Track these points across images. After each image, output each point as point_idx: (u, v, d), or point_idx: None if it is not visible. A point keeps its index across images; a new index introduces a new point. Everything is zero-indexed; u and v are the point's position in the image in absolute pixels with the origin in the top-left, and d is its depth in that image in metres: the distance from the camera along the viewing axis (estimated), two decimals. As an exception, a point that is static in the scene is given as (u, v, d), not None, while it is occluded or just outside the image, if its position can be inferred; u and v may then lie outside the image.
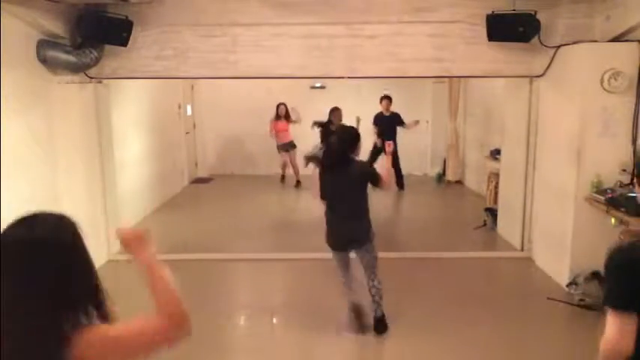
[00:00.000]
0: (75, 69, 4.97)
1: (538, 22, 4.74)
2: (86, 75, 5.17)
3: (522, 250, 5.65)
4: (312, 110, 9.04)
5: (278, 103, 8.99)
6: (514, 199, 5.79)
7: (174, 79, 6.96)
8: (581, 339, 3.37)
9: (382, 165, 5.80)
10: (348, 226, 3.80)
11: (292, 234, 6.66)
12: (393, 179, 4.06)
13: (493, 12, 4.73)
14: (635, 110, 4.49)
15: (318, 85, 9.97)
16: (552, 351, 3.71)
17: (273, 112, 9.04)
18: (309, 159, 7.04)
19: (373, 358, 3.95)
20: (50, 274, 1.30)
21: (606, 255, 1.57)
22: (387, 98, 8.71)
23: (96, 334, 1.33)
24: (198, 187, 9.64)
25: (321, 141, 7.19)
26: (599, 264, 2.00)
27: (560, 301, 4.32)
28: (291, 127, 9.03)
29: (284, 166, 9.34)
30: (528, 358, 3.70)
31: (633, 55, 4.46)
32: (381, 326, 3.89)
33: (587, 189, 4.47)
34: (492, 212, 6.53)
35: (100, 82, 5.36)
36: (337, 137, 3.97)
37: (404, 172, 10.27)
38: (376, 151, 8.42)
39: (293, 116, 8.89)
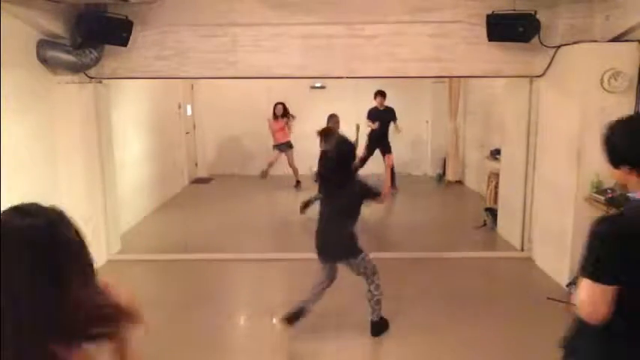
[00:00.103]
0: (75, 69, 4.97)
1: (538, 22, 4.74)
2: (86, 75, 5.17)
3: (522, 250, 5.65)
4: (312, 110, 9.06)
5: (275, 102, 8.97)
6: (514, 199, 5.79)
7: (174, 79, 6.96)
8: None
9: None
10: (333, 241, 3.79)
11: (292, 234, 6.67)
12: (389, 191, 4.02)
13: (493, 12, 4.74)
14: (635, 110, 4.49)
15: (318, 85, 9.97)
16: (552, 351, 3.70)
17: (272, 112, 9.04)
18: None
19: (373, 359, 3.95)
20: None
21: (590, 225, 1.58)
22: (380, 94, 8.67)
23: None
24: (198, 187, 9.64)
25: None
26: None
27: (560, 301, 4.32)
28: (291, 127, 8.99)
29: (271, 164, 9.08)
30: (528, 358, 3.70)
31: (633, 55, 4.47)
32: (374, 330, 3.89)
33: (587, 189, 4.48)
34: (492, 212, 6.54)
35: (100, 82, 5.36)
36: (335, 159, 3.83)
37: (403, 172, 10.29)
38: (367, 154, 8.44)
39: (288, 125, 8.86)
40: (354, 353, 3.86)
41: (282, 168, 9.08)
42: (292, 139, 8.97)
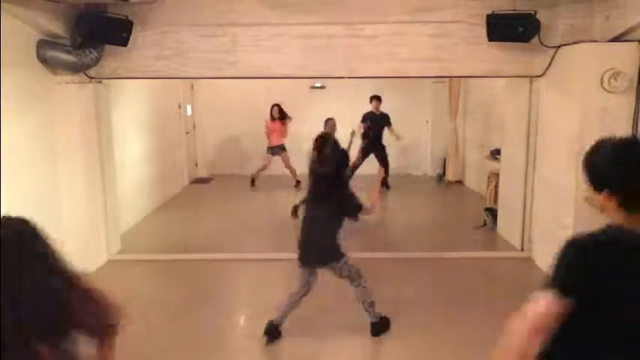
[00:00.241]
0: (75, 69, 4.97)
1: (538, 22, 4.74)
2: (86, 75, 5.16)
3: (522, 250, 5.65)
4: (311, 111, 9.06)
5: (272, 104, 8.96)
6: (514, 199, 5.79)
7: (174, 79, 6.96)
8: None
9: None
10: (315, 245, 3.78)
11: (292, 234, 6.64)
12: (375, 203, 4.00)
13: (493, 12, 4.74)
14: (635, 110, 4.49)
15: (318, 85, 9.97)
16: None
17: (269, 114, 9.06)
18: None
19: (374, 358, 3.95)
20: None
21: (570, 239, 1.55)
22: (376, 98, 8.69)
23: None
24: (198, 187, 9.64)
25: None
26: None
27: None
28: (288, 129, 8.99)
29: (261, 169, 9.10)
30: None
31: (633, 55, 4.47)
32: (374, 330, 3.88)
33: (587, 189, 4.47)
34: (492, 212, 6.53)
35: (100, 82, 5.36)
36: (325, 170, 3.77)
37: (403, 172, 10.31)
38: (361, 159, 8.46)
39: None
40: (354, 353, 3.87)
41: (281, 168, 9.09)
42: (291, 139, 8.97)
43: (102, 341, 1.42)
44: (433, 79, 9.52)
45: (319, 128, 7.29)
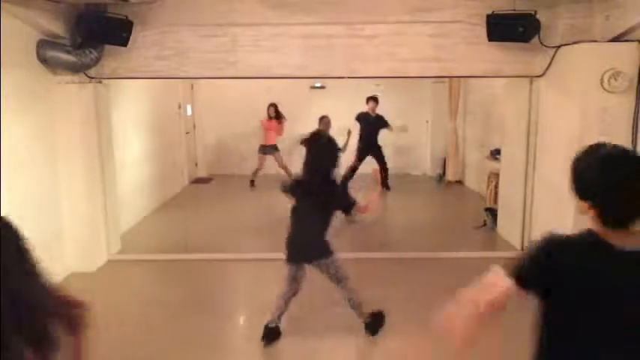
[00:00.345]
0: (75, 69, 4.97)
1: (538, 22, 4.74)
2: (86, 75, 5.17)
3: (522, 250, 5.64)
4: (312, 110, 9.06)
5: (268, 103, 8.97)
6: (514, 199, 5.79)
7: (174, 79, 6.96)
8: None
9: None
10: (304, 241, 3.75)
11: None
12: (374, 202, 3.95)
13: (493, 12, 4.74)
14: (635, 110, 4.50)
15: (318, 85, 9.97)
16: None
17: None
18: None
19: (374, 358, 3.95)
20: None
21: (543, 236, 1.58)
22: (373, 99, 8.62)
23: None
24: (198, 187, 9.64)
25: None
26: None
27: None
28: (283, 129, 8.98)
29: (256, 171, 9.08)
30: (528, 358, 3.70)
31: (633, 55, 4.47)
32: (369, 329, 3.88)
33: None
34: (492, 212, 6.54)
35: (100, 82, 5.36)
36: (317, 161, 3.77)
37: (404, 172, 10.31)
38: (358, 162, 8.44)
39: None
40: (353, 351, 3.86)
41: (275, 167, 9.07)
42: (291, 139, 8.96)
43: (75, 337, 1.43)
44: (433, 79, 9.52)
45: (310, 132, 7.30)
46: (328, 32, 5.17)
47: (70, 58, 4.82)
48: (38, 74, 4.78)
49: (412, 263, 5.44)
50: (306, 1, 5.12)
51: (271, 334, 3.84)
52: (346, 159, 7.96)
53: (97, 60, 5.05)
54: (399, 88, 9.72)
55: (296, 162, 8.72)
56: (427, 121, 10.46)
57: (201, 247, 6.06)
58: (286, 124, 9.07)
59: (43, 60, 4.75)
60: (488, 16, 4.75)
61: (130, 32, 4.89)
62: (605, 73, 4.45)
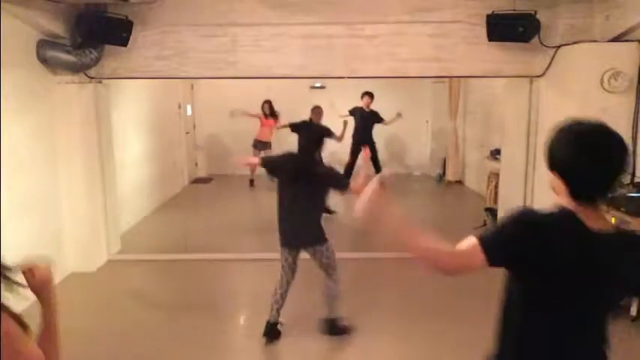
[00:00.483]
0: (75, 69, 4.97)
1: (538, 22, 4.74)
2: (86, 75, 5.17)
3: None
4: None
5: (263, 100, 8.96)
6: (514, 199, 5.79)
7: (174, 79, 6.96)
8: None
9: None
10: (300, 226, 3.74)
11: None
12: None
13: (493, 12, 4.74)
14: (635, 110, 4.50)
15: (318, 85, 9.97)
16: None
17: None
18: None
19: (374, 358, 3.95)
20: None
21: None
22: (368, 95, 8.65)
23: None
24: (198, 187, 9.64)
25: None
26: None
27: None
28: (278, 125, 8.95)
29: (253, 171, 9.04)
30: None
31: (633, 55, 4.47)
32: (328, 328, 3.85)
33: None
34: (492, 212, 6.53)
35: (100, 82, 5.36)
36: (305, 138, 3.92)
37: (403, 172, 10.30)
38: (353, 158, 8.50)
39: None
40: (352, 351, 3.86)
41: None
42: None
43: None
44: (433, 79, 9.52)
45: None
46: (328, 32, 5.17)
47: (70, 58, 4.82)
48: (38, 74, 4.78)
49: (412, 263, 5.42)
50: (306, 1, 5.12)
51: (273, 331, 3.85)
52: (342, 150, 8.03)
53: (97, 60, 5.05)
54: (399, 88, 9.72)
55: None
56: (427, 121, 10.46)
57: (201, 247, 6.06)
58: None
59: (43, 60, 4.75)
60: (488, 16, 4.75)
61: (130, 32, 4.89)
62: (605, 73, 4.45)
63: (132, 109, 7.02)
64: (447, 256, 1.54)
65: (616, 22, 4.53)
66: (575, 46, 4.70)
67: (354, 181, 3.71)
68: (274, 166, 3.91)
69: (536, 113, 5.37)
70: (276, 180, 3.90)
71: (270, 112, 8.94)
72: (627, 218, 3.93)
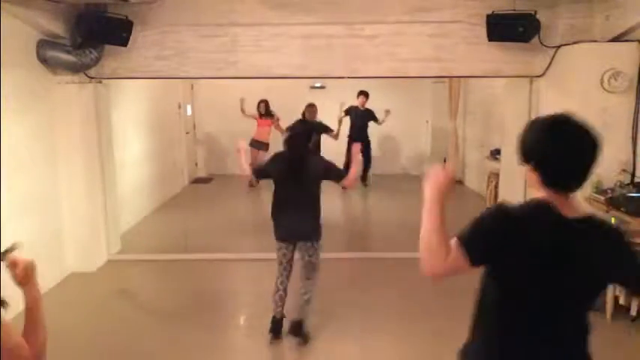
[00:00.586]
0: (75, 69, 4.97)
1: (538, 22, 4.74)
2: (86, 75, 5.17)
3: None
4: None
5: (259, 100, 8.93)
6: (514, 199, 5.77)
7: (174, 79, 6.96)
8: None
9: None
10: (301, 219, 3.72)
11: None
12: (354, 176, 3.95)
13: (493, 12, 4.74)
14: (635, 110, 4.50)
15: (318, 85, 9.97)
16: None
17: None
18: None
19: (373, 358, 3.95)
20: None
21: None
22: (363, 94, 8.88)
23: None
24: (198, 187, 9.64)
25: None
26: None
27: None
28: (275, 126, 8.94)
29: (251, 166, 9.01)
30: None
31: (633, 55, 4.47)
32: (294, 329, 3.80)
33: (587, 189, 4.48)
34: (492, 212, 6.52)
35: (100, 82, 5.36)
36: (294, 133, 3.96)
37: (403, 172, 10.30)
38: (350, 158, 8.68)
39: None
40: (352, 350, 3.86)
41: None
42: (267, 140, 8.91)
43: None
44: (433, 79, 9.52)
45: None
46: (328, 32, 5.17)
47: (70, 58, 4.82)
48: (38, 74, 4.78)
49: (413, 263, 5.41)
50: (306, 1, 5.12)
51: (278, 328, 3.84)
52: (338, 147, 8.06)
53: (97, 60, 5.05)
54: (399, 88, 9.71)
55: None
56: (427, 121, 10.46)
57: (201, 247, 6.06)
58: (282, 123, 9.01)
59: (43, 60, 4.75)
60: (488, 16, 4.75)
61: (130, 32, 4.89)
62: (605, 73, 4.46)
63: (132, 109, 7.02)
64: (441, 259, 1.54)
65: (616, 22, 4.53)
66: (575, 46, 4.70)
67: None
68: (266, 172, 3.88)
69: (536, 113, 5.36)
70: (260, 180, 3.91)
71: (265, 111, 8.91)
72: (627, 218, 3.93)
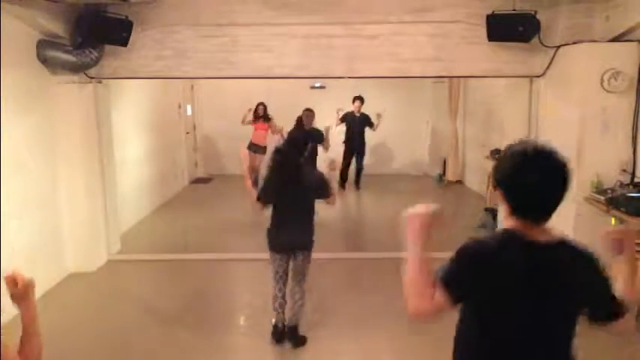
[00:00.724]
0: (75, 69, 4.97)
1: (538, 22, 4.74)
2: (86, 75, 5.17)
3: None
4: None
5: (257, 103, 8.89)
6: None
7: (174, 79, 6.96)
8: (579, 337, 3.36)
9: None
10: (298, 228, 3.74)
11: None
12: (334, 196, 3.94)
13: (493, 12, 4.74)
14: (635, 110, 4.50)
15: (318, 85, 9.97)
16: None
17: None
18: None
19: (373, 357, 3.96)
20: None
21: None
22: (359, 99, 8.91)
23: None
24: (198, 187, 9.64)
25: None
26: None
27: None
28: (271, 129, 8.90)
29: (249, 169, 8.93)
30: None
31: (633, 55, 4.47)
32: (291, 334, 3.83)
33: (587, 189, 4.47)
34: (492, 212, 6.53)
35: (100, 82, 5.36)
36: (288, 146, 3.91)
37: (403, 172, 10.31)
38: (347, 162, 9.00)
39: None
40: (352, 350, 3.86)
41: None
42: (266, 144, 8.80)
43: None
44: (433, 79, 9.52)
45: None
46: (328, 32, 5.16)
47: (70, 58, 4.82)
48: (38, 74, 4.78)
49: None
50: (306, 1, 5.12)
51: (281, 334, 3.84)
52: (334, 154, 8.06)
53: (97, 60, 5.05)
54: (399, 88, 9.72)
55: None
56: (427, 122, 10.46)
57: (201, 247, 6.06)
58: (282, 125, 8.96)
59: (43, 60, 4.75)
60: (488, 16, 4.75)
61: (130, 32, 4.89)
62: (605, 73, 4.45)
63: (132, 109, 7.02)
64: (427, 301, 1.56)
65: (616, 22, 4.53)
66: (575, 46, 4.70)
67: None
68: (273, 193, 3.81)
69: (536, 113, 5.36)
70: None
71: (263, 114, 8.84)
72: (627, 218, 3.93)
